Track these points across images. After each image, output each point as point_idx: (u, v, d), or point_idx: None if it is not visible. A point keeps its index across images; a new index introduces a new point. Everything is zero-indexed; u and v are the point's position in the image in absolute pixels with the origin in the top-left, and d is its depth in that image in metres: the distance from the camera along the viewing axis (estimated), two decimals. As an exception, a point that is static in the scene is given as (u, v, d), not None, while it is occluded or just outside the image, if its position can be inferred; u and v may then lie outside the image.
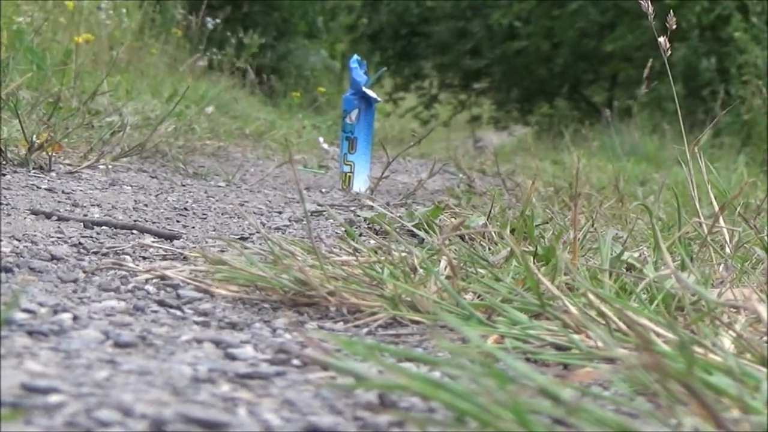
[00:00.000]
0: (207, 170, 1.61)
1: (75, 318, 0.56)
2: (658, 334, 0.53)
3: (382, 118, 5.97)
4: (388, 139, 3.58)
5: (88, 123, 1.67)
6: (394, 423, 0.42)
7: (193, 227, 0.98)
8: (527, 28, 7.36)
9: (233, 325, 0.59)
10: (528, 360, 0.54)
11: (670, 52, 0.88)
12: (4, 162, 1.27)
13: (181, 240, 0.88)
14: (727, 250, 0.76)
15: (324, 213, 1.16)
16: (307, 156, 2.36)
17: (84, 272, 0.69)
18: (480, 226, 0.95)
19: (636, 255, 0.79)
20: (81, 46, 2.32)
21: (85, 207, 1.02)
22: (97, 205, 1.04)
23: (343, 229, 0.98)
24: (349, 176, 1.53)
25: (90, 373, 0.44)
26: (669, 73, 0.89)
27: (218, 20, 4.61)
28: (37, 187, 1.13)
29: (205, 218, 1.05)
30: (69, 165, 1.35)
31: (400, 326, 0.62)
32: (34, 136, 1.30)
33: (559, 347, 0.56)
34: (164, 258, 0.79)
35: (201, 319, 0.60)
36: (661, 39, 0.88)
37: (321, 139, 2.86)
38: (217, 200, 1.23)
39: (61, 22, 2.93)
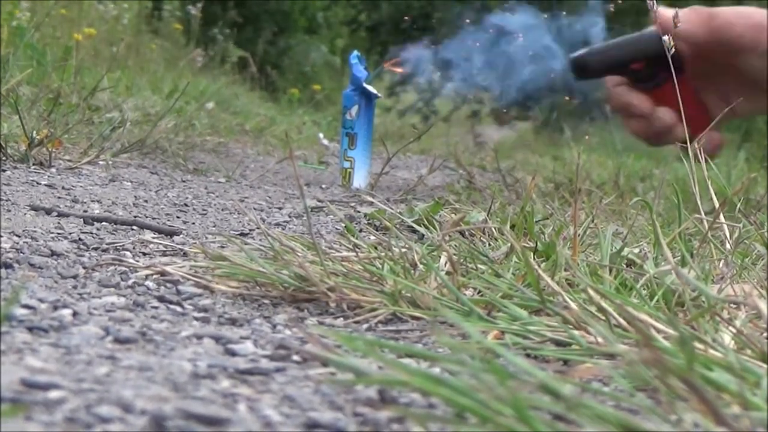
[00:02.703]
0: (207, 166, 1.61)
1: (75, 314, 0.55)
2: (659, 330, 0.53)
3: (382, 113, 5.96)
4: (389, 134, 3.58)
5: (89, 119, 1.67)
6: (395, 419, 0.42)
7: (193, 223, 0.98)
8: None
9: (233, 321, 0.59)
10: (528, 356, 0.54)
11: (673, 50, 0.87)
12: (4, 158, 1.27)
13: (182, 236, 0.88)
14: (728, 246, 0.76)
15: (324, 209, 1.16)
16: (307, 152, 2.36)
17: (84, 268, 0.69)
18: (480, 222, 0.95)
19: (636, 251, 0.79)
20: (81, 42, 2.32)
21: (85, 203, 1.02)
22: (98, 201, 1.04)
23: (343, 225, 0.98)
24: (349, 172, 1.53)
25: (90, 369, 0.44)
26: (672, 68, 0.89)
27: (200, 4, 4.51)
28: (37, 183, 1.13)
29: (206, 214, 1.05)
30: (69, 161, 1.35)
31: (401, 322, 0.62)
32: (34, 132, 1.30)
33: (559, 343, 0.56)
34: (164, 254, 0.79)
35: (201, 315, 0.60)
36: (665, 37, 0.87)
37: (321, 135, 2.85)
38: (217, 196, 1.23)
39: (62, 13, 2.92)
